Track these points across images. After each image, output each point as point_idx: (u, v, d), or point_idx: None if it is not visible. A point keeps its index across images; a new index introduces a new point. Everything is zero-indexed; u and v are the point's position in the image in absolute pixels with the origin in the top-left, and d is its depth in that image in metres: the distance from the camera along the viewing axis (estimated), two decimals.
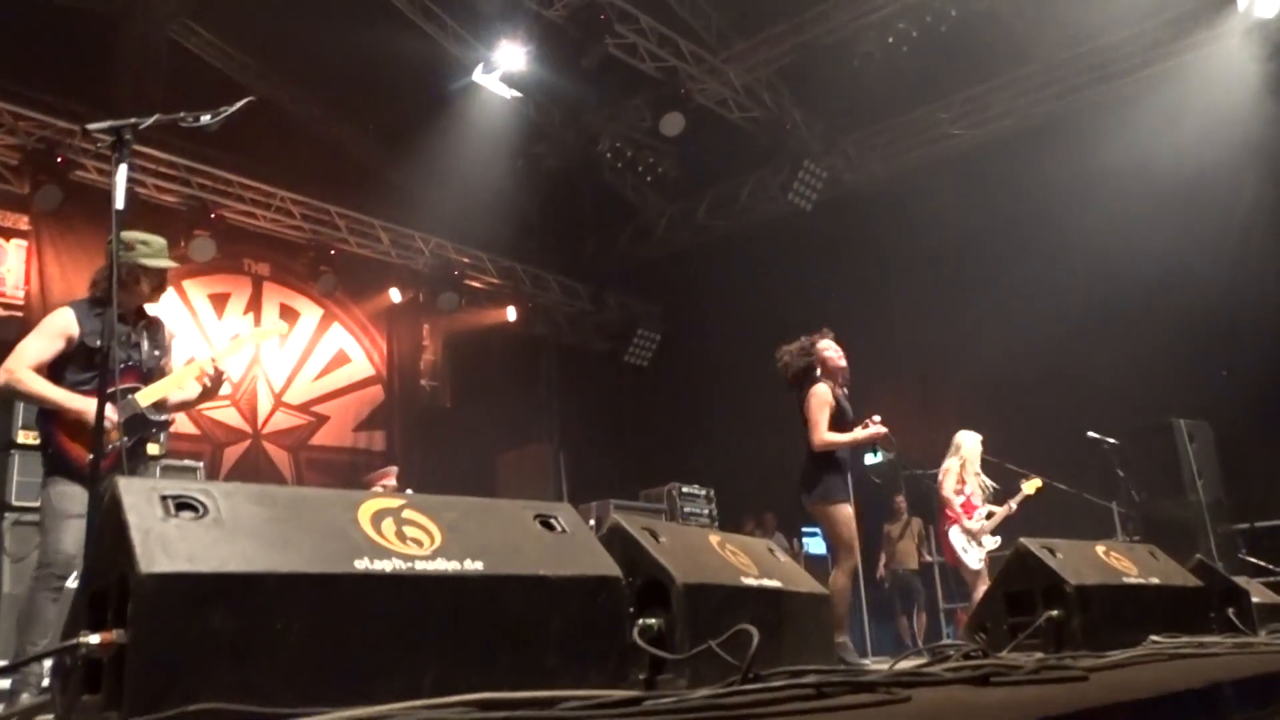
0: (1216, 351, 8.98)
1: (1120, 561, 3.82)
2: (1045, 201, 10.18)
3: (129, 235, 4.03)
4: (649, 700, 1.63)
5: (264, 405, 11.35)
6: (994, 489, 7.99)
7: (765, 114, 12.08)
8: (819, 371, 6.00)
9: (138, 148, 3.23)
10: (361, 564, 2.03)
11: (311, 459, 11.61)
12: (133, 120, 3.18)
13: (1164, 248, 9.18)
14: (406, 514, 2.23)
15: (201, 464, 7.11)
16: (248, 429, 11.15)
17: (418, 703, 1.58)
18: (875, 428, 5.96)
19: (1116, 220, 9.62)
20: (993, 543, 7.83)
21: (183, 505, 1.97)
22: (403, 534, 2.17)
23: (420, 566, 2.10)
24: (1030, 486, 7.89)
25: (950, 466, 7.84)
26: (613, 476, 12.69)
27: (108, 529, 2.00)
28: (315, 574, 1.96)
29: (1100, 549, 3.88)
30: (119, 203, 3.10)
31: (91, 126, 3.17)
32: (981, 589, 7.81)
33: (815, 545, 11.70)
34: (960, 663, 2.26)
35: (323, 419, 11.92)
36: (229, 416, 10.94)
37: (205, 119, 3.58)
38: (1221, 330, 9.03)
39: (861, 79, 11.09)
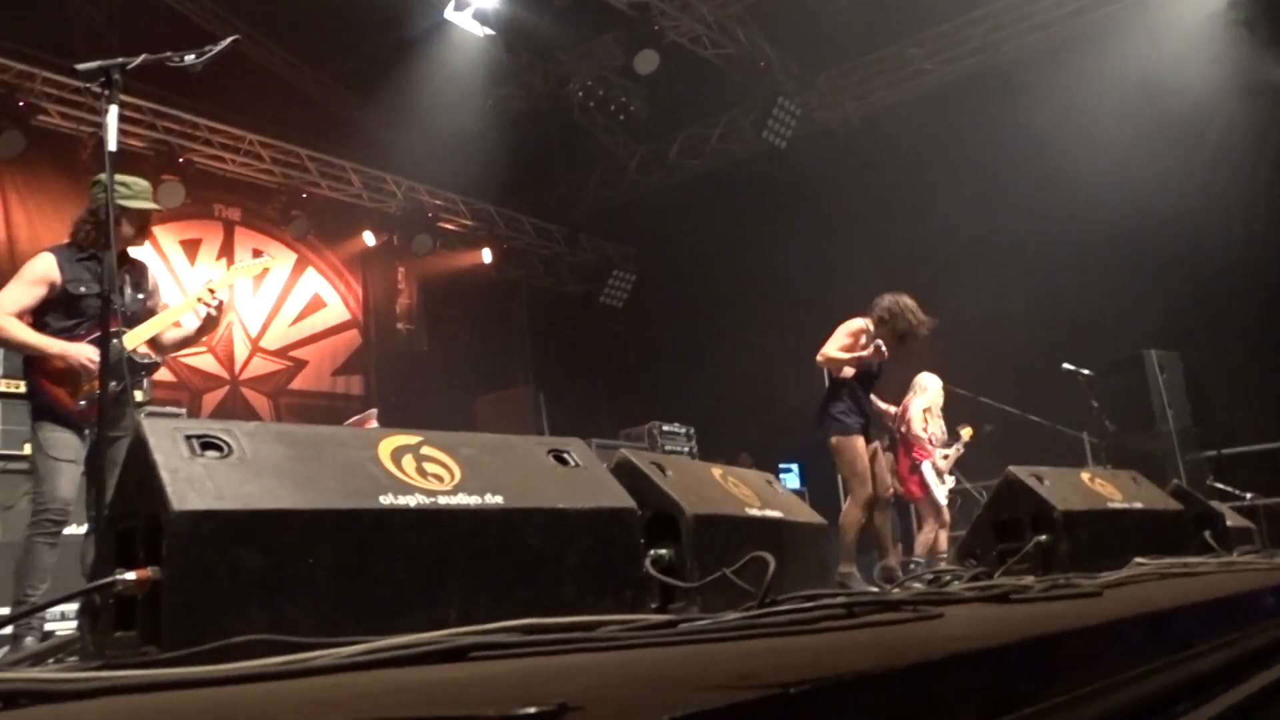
0: (1186, 284, 9.12)
1: (1105, 488, 3.92)
2: (1018, 138, 10.19)
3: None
4: (684, 623, 1.68)
5: (240, 351, 11.26)
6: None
7: (738, 50, 11.95)
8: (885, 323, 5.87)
9: (99, 90, 3.15)
10: (386, 499, 2.06)
11: (291, 404, 11.56)
12: (120, 60, 3.12)
13: (1137, 181, 9.28)
14: (425, 450, 2.26)
15: (184, 410, 7.06)
16: (225, 375, 11.07)
17: (464, 629, 1.62)
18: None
19: (1090, 156, 9.68)
20: (951, 481, 8.13)
21: (207, 445, 1.99)
22: (423, 470, 2.19)
23: (443, 501, 2.13)
24: (965, 434, 8.22)
25: (915, 406, 8.01)
26: (591, 417, 12.75)
27: (132, 469, 2.01)
28: (342, 509, 1.99)
29: (1085, 476, 3.98)
30: (112, 144, 3.06)
31: (80, 67, 3.11)
32: (933, 523, 8.02)
33: (790, 481, 11.84)
34: (971, 584, 2.33)
35: (301, 364, 11.85)
36: (206, 363, 10.85)
37: (190, 58, 3.53)
38: (1191, 263, 9.16)
39: (834, 16, 10.99)
